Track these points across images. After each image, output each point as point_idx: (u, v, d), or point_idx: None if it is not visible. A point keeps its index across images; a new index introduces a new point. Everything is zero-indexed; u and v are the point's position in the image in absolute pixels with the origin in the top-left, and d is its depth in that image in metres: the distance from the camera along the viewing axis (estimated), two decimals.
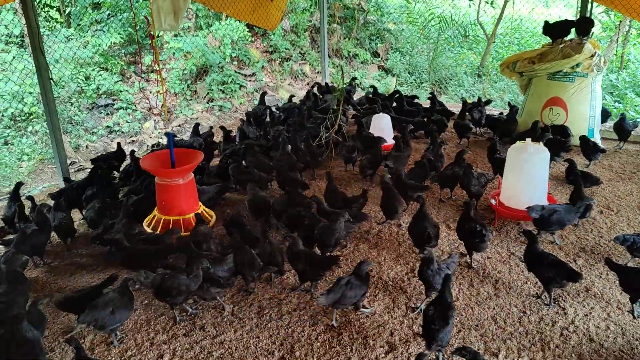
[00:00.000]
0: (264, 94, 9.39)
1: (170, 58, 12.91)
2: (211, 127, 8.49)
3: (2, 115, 10.34)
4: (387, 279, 4.57)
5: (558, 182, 6.52)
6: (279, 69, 13.95)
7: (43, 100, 6.13)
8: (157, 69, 6.87)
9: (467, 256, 4.82)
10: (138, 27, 12.07)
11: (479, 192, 5.64)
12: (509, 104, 8.38)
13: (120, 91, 11.88)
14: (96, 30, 12.44)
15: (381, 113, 7.81)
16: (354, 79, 10.94)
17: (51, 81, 6.12)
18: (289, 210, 5.09)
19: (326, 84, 10.50)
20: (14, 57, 10.94)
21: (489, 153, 6.57)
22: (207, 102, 12.46)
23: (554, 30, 7.83)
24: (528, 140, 5.55)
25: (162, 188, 5.16)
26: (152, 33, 6.87)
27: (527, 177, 5.43)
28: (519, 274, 4.60)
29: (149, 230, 5.16)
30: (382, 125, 7.49)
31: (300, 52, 14.54)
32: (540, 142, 5.70)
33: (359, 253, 5.01)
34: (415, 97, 9.58)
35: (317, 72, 13.96)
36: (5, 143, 10.15)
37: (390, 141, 7.27)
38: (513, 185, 5.56)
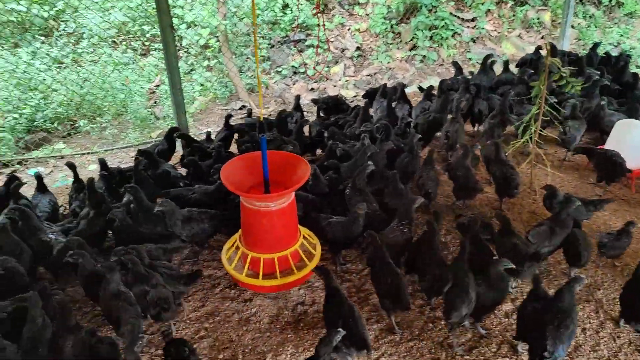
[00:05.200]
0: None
1: None
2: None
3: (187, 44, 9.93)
4: None
5: None
6: (508, 14, 11.05)
7: (164, 52, 5.07)
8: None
9: None
10: None
11: None
12: None
13: (317, 25, 10.55)
14: None
15: (631, 119, 5.07)
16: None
17: (171, 29, 4.97)
18: None
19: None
20: None
21: None
22: (410, 50, 10.44)
23: None
24: None
25: (247, 213, 3.67)
26: None
27: None
28: None
29: (225, 261, 3.83)
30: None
31: None
32: None
33: None
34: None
35: (559, 23, 10.72)
36: (190, 71, 9.78)
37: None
38: None
